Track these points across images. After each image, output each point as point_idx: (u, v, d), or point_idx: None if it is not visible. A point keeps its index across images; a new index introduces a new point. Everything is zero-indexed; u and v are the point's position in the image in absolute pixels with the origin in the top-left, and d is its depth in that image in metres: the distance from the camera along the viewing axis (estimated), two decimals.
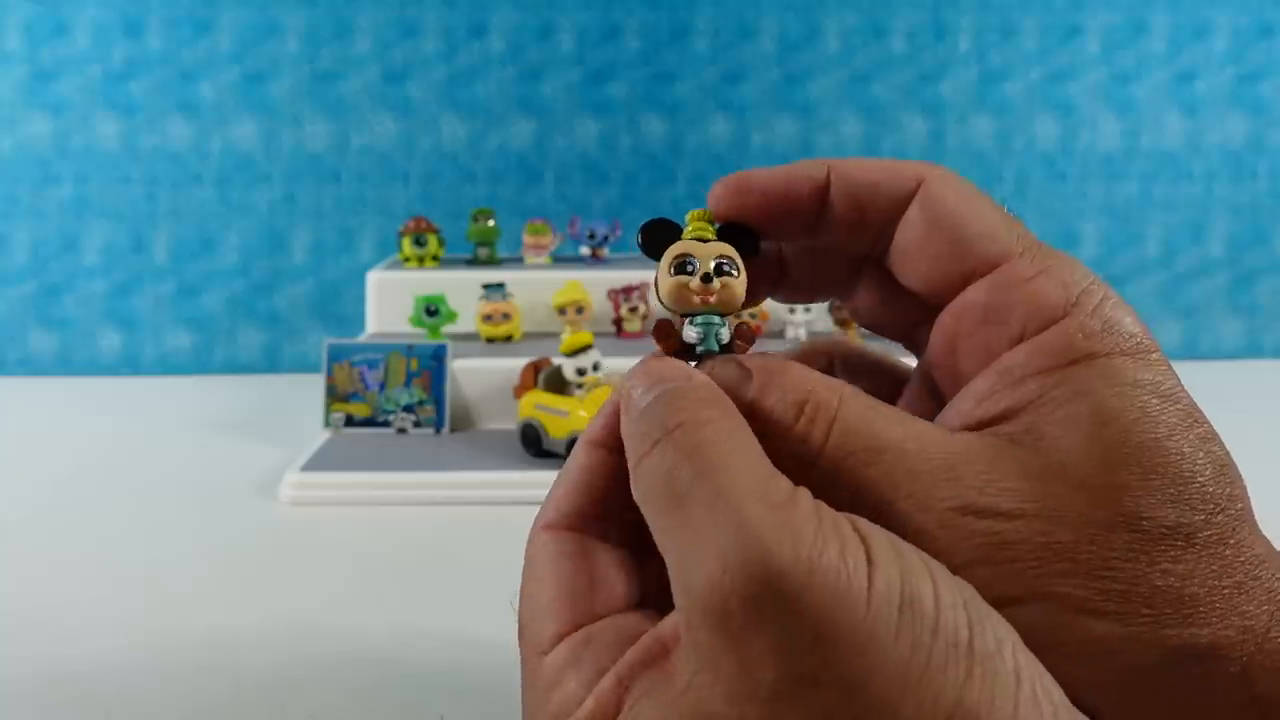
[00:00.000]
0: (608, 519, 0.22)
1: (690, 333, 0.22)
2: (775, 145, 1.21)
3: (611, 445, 0.22)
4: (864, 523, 0.17)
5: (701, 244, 0.23)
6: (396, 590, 0.57)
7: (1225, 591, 0.19)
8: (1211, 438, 0.20)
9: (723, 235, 0.23)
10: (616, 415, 0.22)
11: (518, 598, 0.22)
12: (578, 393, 0.77)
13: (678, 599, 0.18)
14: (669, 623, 0.18)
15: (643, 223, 0.23)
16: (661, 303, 0.23)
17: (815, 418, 0.20)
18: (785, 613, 0.16)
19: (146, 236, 1.20)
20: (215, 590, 0.57)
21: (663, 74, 1.22)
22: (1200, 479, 0.19)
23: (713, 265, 0.22)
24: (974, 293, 0.22)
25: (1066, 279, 0.21)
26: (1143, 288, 1.24)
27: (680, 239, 0.23)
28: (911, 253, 0.23)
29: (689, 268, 0.22)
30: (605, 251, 1.09)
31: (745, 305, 0.23)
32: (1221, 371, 1.16)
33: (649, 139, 1.23)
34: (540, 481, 0.70)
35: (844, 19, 1.22)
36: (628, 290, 0.98)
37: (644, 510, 0.19)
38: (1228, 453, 0.20)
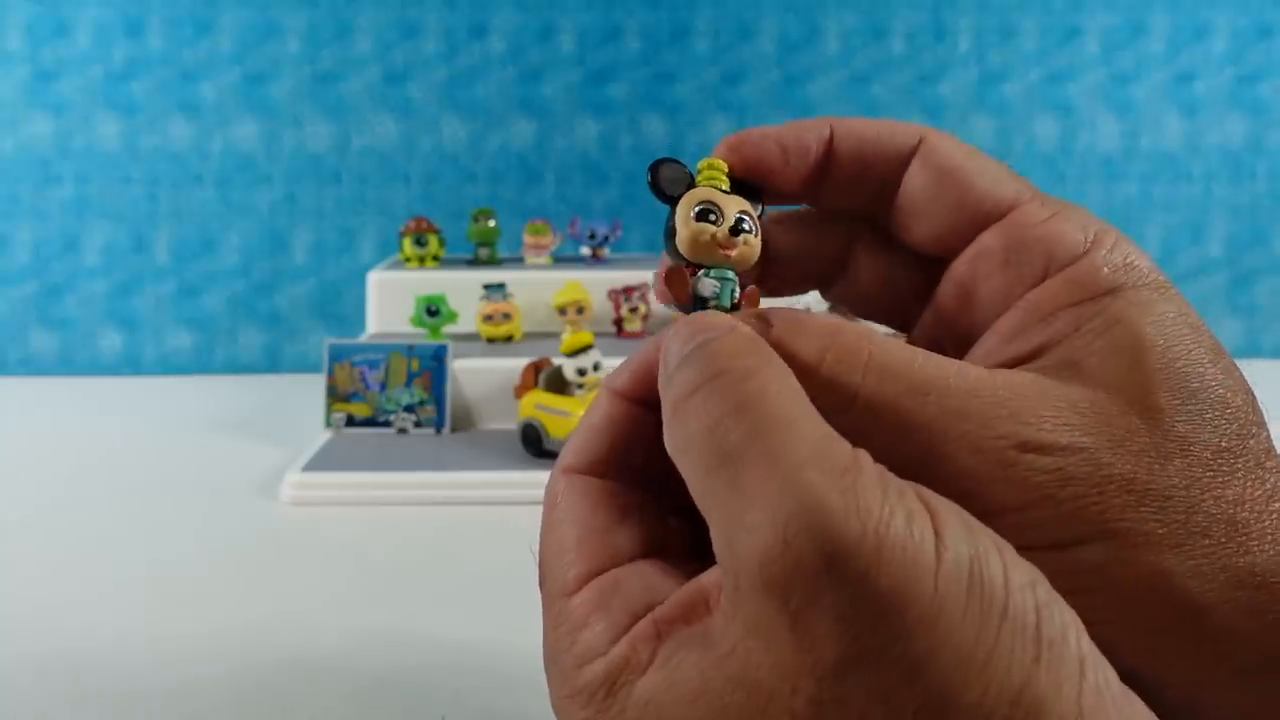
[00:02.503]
0: (628, 468, 0.21)
1: (706, 285, 0.21)
2: None
3: (635, 397, 0.21)
4: (929, 493, 0.16)
5: (723, 194, 0.21)
6: (397, 590, 0.57)
7: (1273, 516, 0.19)
8: (1235, 366, 0.20)
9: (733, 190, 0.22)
10: (643, 367, 0.21)
11: (538, 544, 0.21)
12: (578, 393, 0.77)
13: (723, 560, 0.17)
14: (711, 578, 0.18)
15: (654, 160, 0.22)
16: (675, 250, 0.21)
17: (847, 360, 0.19)
18: (850, 589, 0.15)
19: (147, 236, 1.20)
20: (216, 590, 0.57)
21: (663, 74, 1.22)
22: (1235, 404, 0.19)
23: (734, 218, 0.21)
24: (990, 238, 0.22)
25: (1081, 219, 0.21)
26: None
27: (694, 185, 0.22)
28: (919, 206, 0.22)
29: (712, 217, 0.21)
30: (606, 252, 1.09)
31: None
32: None
33: (649, 139, 1.23)
34: (540, 481, 0.69)
35: (844, 19, 1.22)
36: (628, 290, 0.98)
37: (680, 463, 0.18)
38: (1248, 382, 0.20)
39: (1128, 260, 0.21)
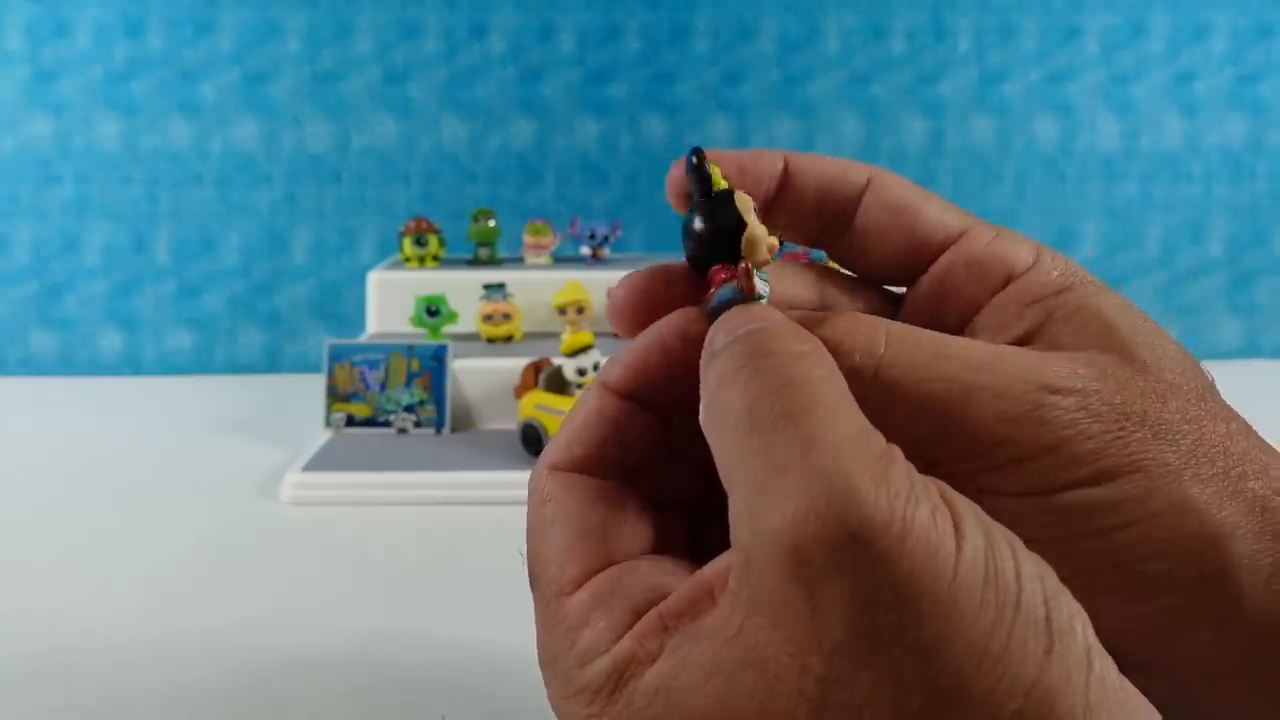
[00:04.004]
0: (619, 465, 0.21)
1: (761, 285, 0.21)
2: (775, 145, 1.21)
3: (629, 393, 0.22)
4: (949, 489, 0.17)
5: (749, 199, 0.22)
6: (397, 590, 0.57)
7: (1255, 450, 0.21)
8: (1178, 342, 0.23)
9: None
10: (638, 361, 0.21)
11: (525, 544, 0.21)
12: (578, 393, 0.77)
13: (741, 534, 0.17)
14: (714, 569, 0.18)
15: (695, 147, 0.23)
16: (737, 249, 0.21)
17: (867, 331, 0.20)
18: (871, 567, 0.15)
19: (148, 236, 1.20)
20: (216, 590, 0.57)
21: (663, 74, 1.22)
22: (1188, 361, 0.22)
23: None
24: (950, 257, 0.24)
25: (1022, 239, 0.24)
26: (1142, 288, 1.24)
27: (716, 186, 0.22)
28: (873, 238, 0.24)
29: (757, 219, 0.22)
30: (606, 252, 1.09)
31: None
32: (1220, 371, 1.14)
33: (649, 139, 1.23)
34: None
35: (844, 19, 1.22)
36: None
37: (713, 434, 0.18)
38: None
39: (1069, 267, 0.23)
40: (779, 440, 0.17)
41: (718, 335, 0.20)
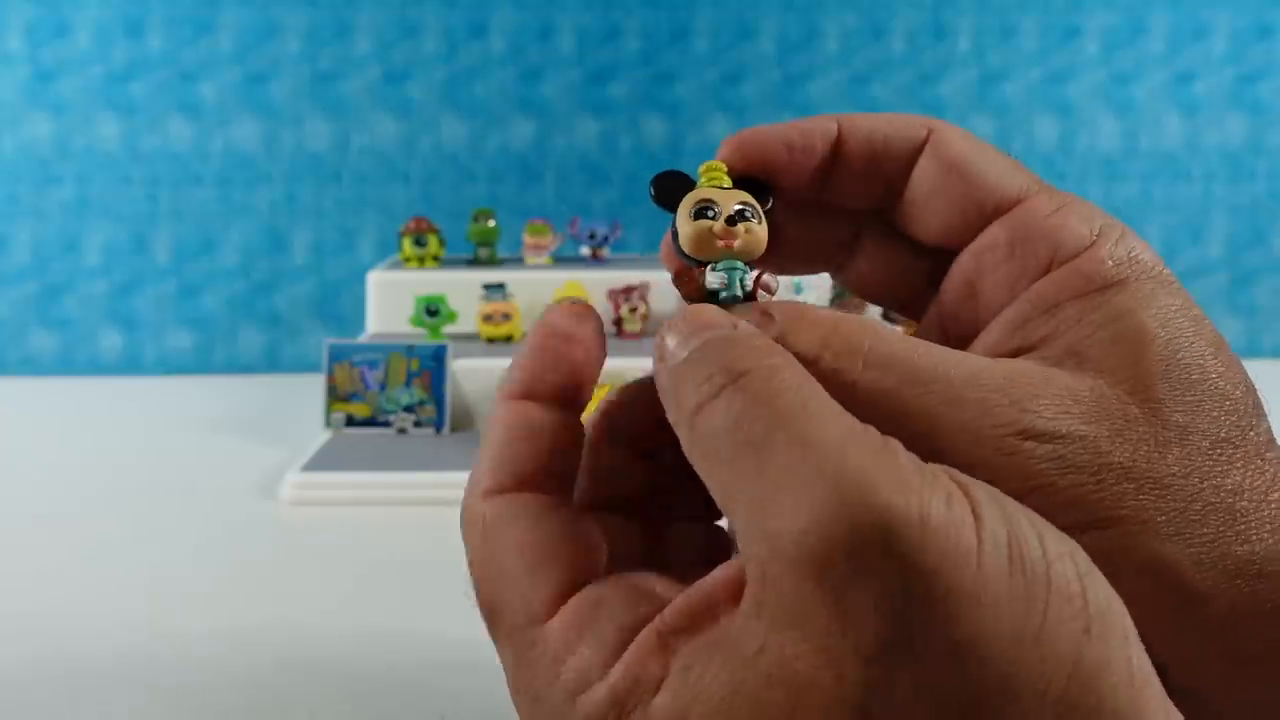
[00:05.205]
0: (556, 477, 0.20)
1: (713, 279, 0.21)
2: None
3: (539, 396, 0.20)
4: (958, 473, 0.16)
5: (721, 190, 0.22)
6: (397, 590, 0.57)
7: (1273, 505, 0.19)
8: (1237, 359, 0.20)
9: (736, 188, 0.22)
10: (536, 363, 0.20)
11: (470, 586, 0.20)
12: None
13: (753, 549, 0.16)
14: (714, 581, 0.17)
15: (655, 174, 0.22)
16: (682, 252, 0.21)
17: (846, 353, 0.19)
18: (896, 566, 0.14)
19: (147, 237, 1.20)
20: (216, 590, 0.57)
21: (663, 74, 1.22)
22: (1234, 395, 0.20)
23: (734, 210, 0.21)
24: (996, 230, 0.22)
25: (1087, 213, 0.21)
26: None
27: (695, 188, 0.22)
28: (927, 200, 0.23)
29: (710, 212, 0.21)
30: (605, 252, 1.09)
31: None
32: None
33: (649, 139, 1.23)
34: None
35: (844, 20, 1.22)
36: (628, 291, 0.98)
37: (701, 465, 0.17)
38: (1248, 373, 0.21)
39: (1131, 254, 0.20)
40: (777, 452, 0.16)
41: (668, 343, 0.19)
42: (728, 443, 0.17)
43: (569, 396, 0.21)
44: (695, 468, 0.18)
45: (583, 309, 0.21)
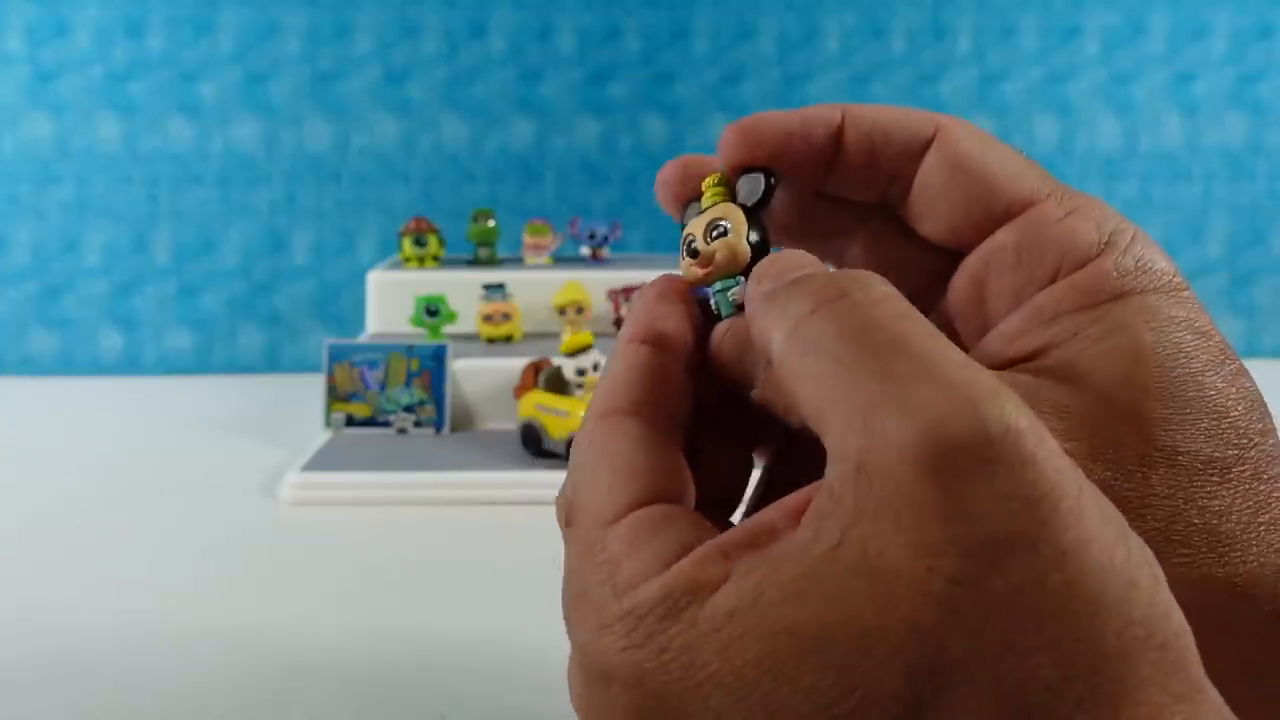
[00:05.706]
0: (663, 414, 0.20)
1: (713, 304, 0.21)
2: None
3: (655, 342, 0.21)
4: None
5: (700, 216, 0.22)
6: (397, 590, 0.57)
7: (1261, 528, 0.19)
8: (1243, 373, 0.20)
9: (740, 179, 0.23)
10: (655, 309, 0.21)
11: (569, 488, 0.20)
12: (578, 393, 0.77)
13: (853, 442, 0.16)
14: (779, 509, 0.17)
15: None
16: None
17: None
18: (1018, 468, 0.15)
19: (147, 237, 1.20)
20: (216, 589, 0.57)
21: (663, 74, 1.22)
22: (1234, 413, 0.19)
23: (702, 234, 0.21)
24: (1003, 235, 0.21)
25: (1098, 218, 0.21)
26: None
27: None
28: (933, 198, 0.22)
29: (690, 247, 0.21)
30: (605, 252, 1.09)
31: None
32: None
33: (649, 139, 1.23)
34: (540, 481, 0.70)
35: (844, 19, 1.22)
36: (628, 290, 0.98)
37: (807, 359, 0.17)
38: (1258, 388, 0.20)
39: (1140, 263, 0.20)
40: (899, 360, 0.16)
41: (761, 283, 0.19)
42: (847, 344, 0.16)
43: (679, 349, 0.21)
44: (783, 372, 0.18)
45: (683, 286, 0.22)
